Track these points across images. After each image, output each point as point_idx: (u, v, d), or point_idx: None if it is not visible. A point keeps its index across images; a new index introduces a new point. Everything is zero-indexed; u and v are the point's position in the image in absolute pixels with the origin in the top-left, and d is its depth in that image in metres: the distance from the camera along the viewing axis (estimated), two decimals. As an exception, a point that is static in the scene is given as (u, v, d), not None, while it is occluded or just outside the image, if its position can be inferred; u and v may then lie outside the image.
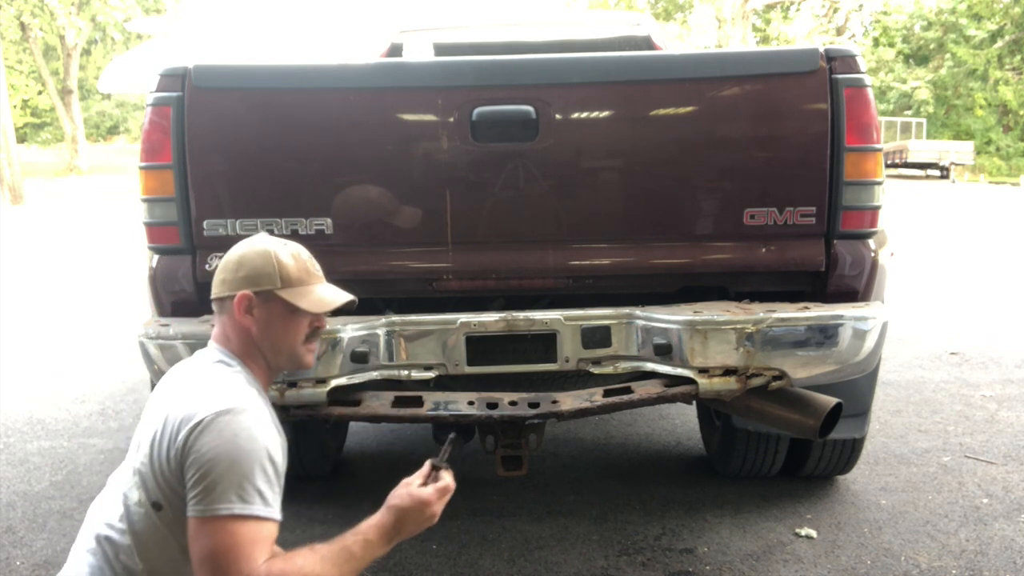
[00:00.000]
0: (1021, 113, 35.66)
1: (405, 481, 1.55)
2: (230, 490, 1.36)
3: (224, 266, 1.61)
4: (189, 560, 1.40)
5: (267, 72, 2.48)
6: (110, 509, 1.52)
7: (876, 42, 37.84)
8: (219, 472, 1.37)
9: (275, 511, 1.42)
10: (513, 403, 2.29)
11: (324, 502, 3.15)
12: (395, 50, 4.45)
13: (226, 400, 1.44)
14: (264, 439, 1.44)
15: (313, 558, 1.39)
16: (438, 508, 1.52)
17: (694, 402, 2.53)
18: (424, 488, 1.53)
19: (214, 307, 1.63)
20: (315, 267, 1.67)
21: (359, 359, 2.29)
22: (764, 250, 2.44)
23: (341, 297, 1.68)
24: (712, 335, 2.22)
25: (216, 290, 1.61)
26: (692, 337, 2.22)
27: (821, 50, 2.40)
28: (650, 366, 2.34)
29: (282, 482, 1.47)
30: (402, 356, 2.34)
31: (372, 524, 1.48)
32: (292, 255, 1.62)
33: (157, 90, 2.38)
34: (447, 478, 1.56)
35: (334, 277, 2.52)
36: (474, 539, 2.86)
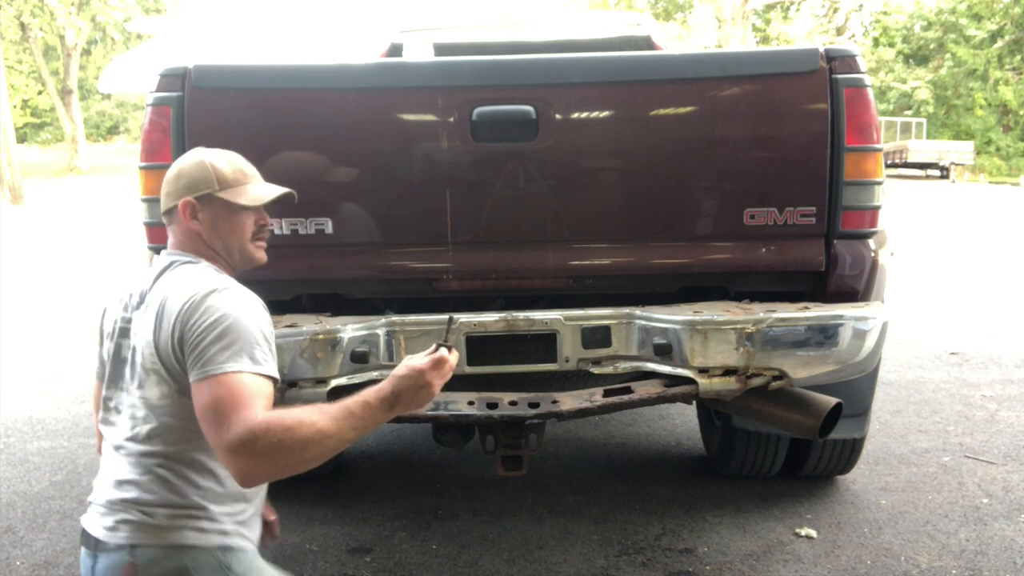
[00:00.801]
0: (1021, 113, 35.66)
1: (408, 357, 1.58)
2: (226, 351, 1.45)
3: (166, 180, 1.70)
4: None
5: (267, 72, 2.48)
6: (125, 430, 1.57)
7: (876, 42, 37.84)
8: (214, 336, 1.45)
9: (269, 369, 1.49)
10: (513, 403, 2.29)
11: (324, 502, 3.15)
12: (395, 50, 4.45)
13: (211, 282, 1.55)
14: (254, 310, 1.55)
15: (311, 409, 1.44)
16: (434, 380, 1.53)
17: (694, 402, 2.53)
18: (419, 356, 1.56)
19: (165, 221, 1.72)
20: (250, 168, 1.76)
21: (359, 359, 2.29)
22: (764, 250, 2.44)
23: (275, 191, 1.77)
24: (712, 335, 2.22)
25: (163, 203, 1.70)
26: (692, 337, 2.22)
27: (821, 50, 2.40)
28: (650, 366, 2.34)
29: (273, 350, 1.54)
30: (402, 356, 2.33)
31: (372, 389, 1.51)
32: (226, 160, 1.72)
33: (157, 90, 2.38)
34: (445, 353, 1.57)
35: (335, 277, 2.53)
36: (474, 539, 2.86)
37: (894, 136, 32.20)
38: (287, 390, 2.25)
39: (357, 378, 2.31)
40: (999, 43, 34.92)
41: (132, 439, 1.55)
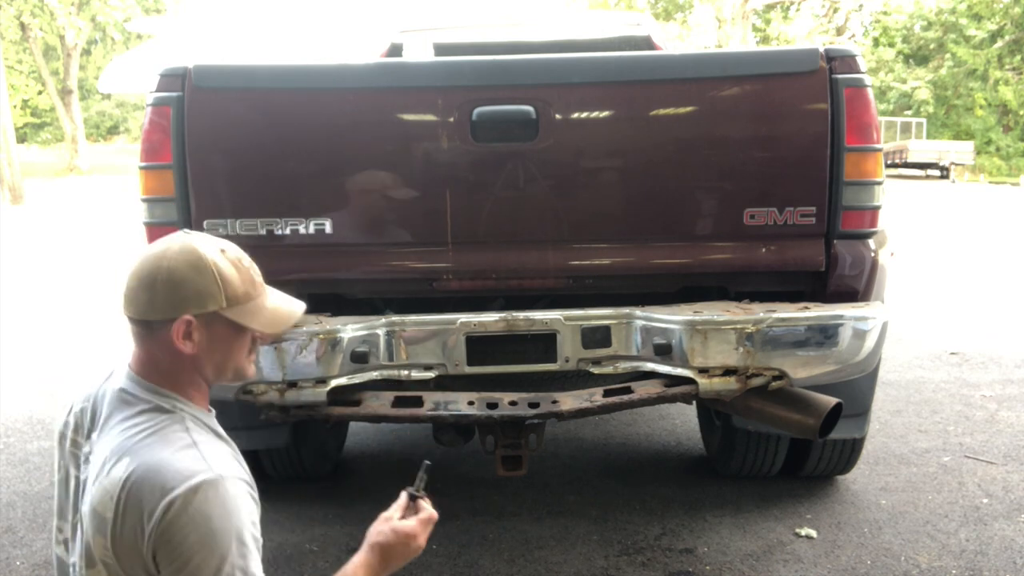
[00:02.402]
0: (1021, 113, 35.65)
1: (384, 516, 1.48)
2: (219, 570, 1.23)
3: (147, 282, 1.34)
4: None
5: (267, 72, 2.48)
6: None
7: (876, 42, 37.84)
8: (197, 562, 1.23)
9: None
10: (513, 403, 2.29)
11: (324, 502, 3.15)
12: (395, 50, 4.45)
13: (192, 467, 1.26)
14: (241, 511, 1.29)
15: None
16: (423, 539, 1.47)
17: (694, 402, 2.53)
18: (407, 521, 1.47)
19: (132, 329, 1.38)
20: (257, 274, 1.45)
21: (359, 359, 2.29)
22: (764, 250, 2.44)
23: (295, 312, 1.49)
24: (712, 335, 2.22)
25: (138, 311, 1.35)
26: (692, 337, 2.22)
27: (821, 50, 2.40)
28: (650, 366, 2.34)
29: (259, 549, 1.33)
30: (402, 356, 2.34)
31: (358, 564, 1.40)
32: (233, 264, 1.38)
33: (157, 90, 2.38)
34: (428, 507, 1.50)
35: (335, 277, 2.53)
36: (474, 539, 2.86)
37: (894, 136, 32.20)
38: (287, 390, 2.25)
39: (357, 378, 2.32)
40: (999, 43, 34.91)
41: None
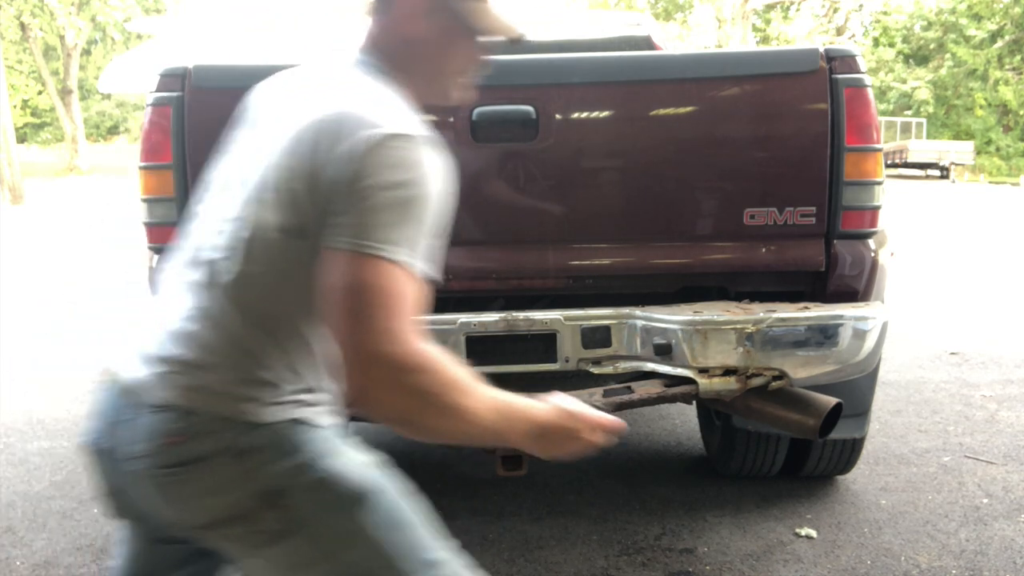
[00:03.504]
0: (1021, 113, 35.68)
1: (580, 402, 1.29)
2: (398, 229, 1.07)
3: None
4: (312, 299, 1.12)
5: (267, 72, 2.47)
6: (208, 240, 1.22)
7: (876, 42, 37.87)
8: (391, 201, 1.07)
9: (428, 271, 1.15)
10: (513, 403, 2.29)
11: (324, 502, 3.15)
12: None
13: (402, 121, 1.12)
14: (443, 182, 1.15)
15: (468, 375, 1.15)
16: (588, 440, 1.25)
17: (694, 402, 2.53)
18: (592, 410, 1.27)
19: (370, 7, 1.29)
20: None
21: (359, 359, 2.28)
22: (764, 250, 2.44)
23: (519, 24, 1.33)
24: (712, 335, 2.22)
25: None
26: (692, 337, 2.22)
27: (821, 50, 2.40)
28: (650, 366, 2.34)
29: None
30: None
31: (529, 404, 1.21)
32: None
33: (157, 90, 2.38)
34: (616, 422, 1.28)
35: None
36: (474, 539, 2.86)
37: (894, 136, 32.22)
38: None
39: (357, 378, 2.31)
40: (999, 43, 34.94)
41: (208, 276, 1.18)
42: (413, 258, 1.09)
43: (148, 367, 1.19)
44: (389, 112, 1.13)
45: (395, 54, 1.25)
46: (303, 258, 1.11)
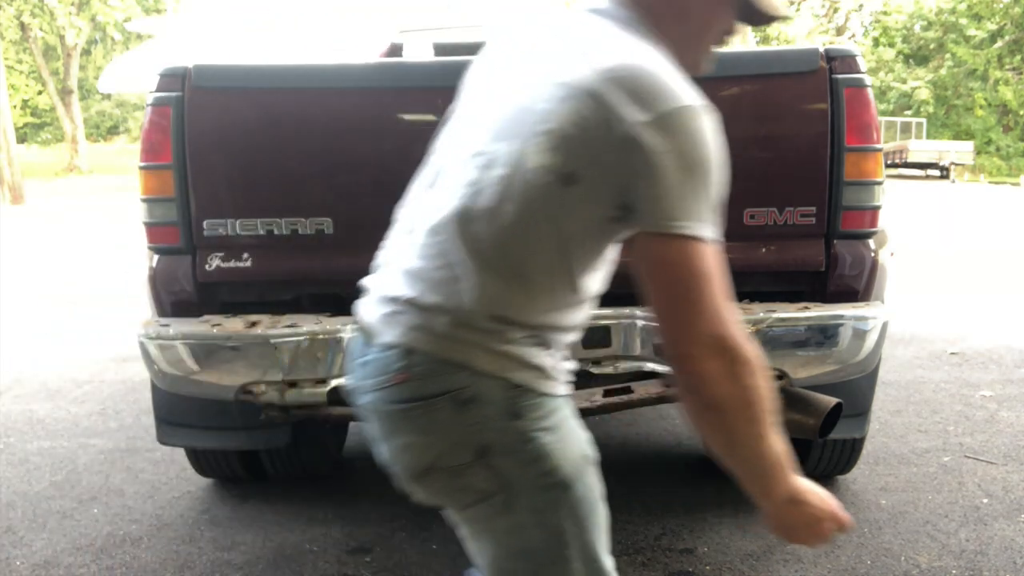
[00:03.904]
0: (1021, 113, 35.69)
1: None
2: (704, 208, 1.07)
3: None
4: (563, 247, 1.12)
5: (267, 72, 2.48)
6: (451, 178, 1.20)
7: (876, 42, 37.89)
8: (694, 184, 1.06)
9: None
10: (513, 403, 2.29)
11: (324, 502, 3.15)
12: (395, 50, 4.45)
13: (687, 93, 1.08)
14: (722, 158, 1.12)
15: (767, 388, 1.11)
16: (826, 529, 1.25)
17: (694, 402, 2.52)
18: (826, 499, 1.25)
19: None
20: None
21: (359, 359, 2.28)
22: (764, 250, 2.44)
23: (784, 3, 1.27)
24: (712, 335, 2.22)
25: None
26: (692, 337, 2.22)
27: (821, 50, 2.40)
28: (650, 366, 2.34)
29: None
30: (402, 356, 2.34)
31: (794, 470, 1.21)
32: None
33: (157, 90, 2.38)
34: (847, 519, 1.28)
35: (334, 277, 2.53)
36: (474, 539, 2.86)
37: (894, 136, 32.22)
38: (287, 390, 2.25)
39: (357, 378, 2.31)
40: (999, 43, 34.95)
41: (452, 216, 1.14)
42: (715, 234, 1.08)
43: (380, 307, 1.21)
44: (677, 80, 1.09)
45: (661, 13, 1.18)
46: (566, 202, 1.09)
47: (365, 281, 1.33)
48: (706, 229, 1.07)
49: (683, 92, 1.08)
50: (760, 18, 1.23)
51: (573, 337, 1.23)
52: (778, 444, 1.15)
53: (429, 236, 1.17)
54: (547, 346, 1.17)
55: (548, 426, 1.15)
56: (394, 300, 1.19)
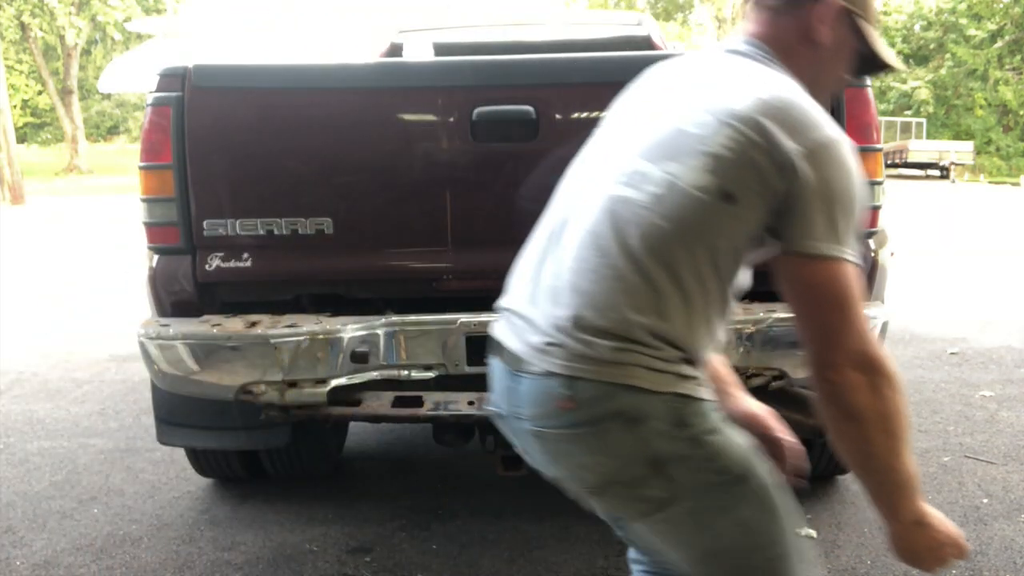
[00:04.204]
0: (1021, 113, 35.68)
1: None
2: (850, 233, 1.16)
3: None
4: (714, 262, 1.19)
5: (267, 72, 2.48)
6: (601, 194, 1.24)
7: (876, 42, 37.81)
8: (840, 210, 1.15)
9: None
10: (513, 403, 2.29)
11: (324, 502, 3.15)
12: (395, 50, 4.45)
13: (832, 126, 1.18)
14: (863, 187, 1.21)
15: (906, 407, 1.18)
16: (946, 556, 1.26)
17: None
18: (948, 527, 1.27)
19: (765, 2, 1.31)
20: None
21: (359, 359, 2.29)
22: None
23: (898, 59, 1.39)
24: (712, 335, 2.22)
25: None
26: (692, 337, 2.22)
27: (821, 50, 2.40)
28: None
29: None
30: (402, 356, 2.34)
31: (918, 493, 1.23)
32: None
33: (157, 90, 2.38)
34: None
35: (334, 277, 2.53)
36: (474, 539, 2.86)
37: (894, 136, 32.22)
38: (287, 390, 2.25)
39: (357, 378, 2.32)
40: (999, 43, 34.94)
41: (606, 233, 1.19)
42: (856, 257, 1.17)
43: (528, 333, 1.23)
44: (822, 113, 1.19)
45: (792, 53, 1.28)
46: (721, 220, 1.16)
47: (503, 302, 1.37)
48: (849, 252, 1.15)
49: (829, 125, 1.17)
50: (877, 68, 1.35)
51: (715, 349, 1.29)
52: (911, 465, 1.20)
53: (581, 254, 1.21)
54: (699, 360, 1.23)
55: (711, 428, 1.20)
56: (548, 324, 1.21)
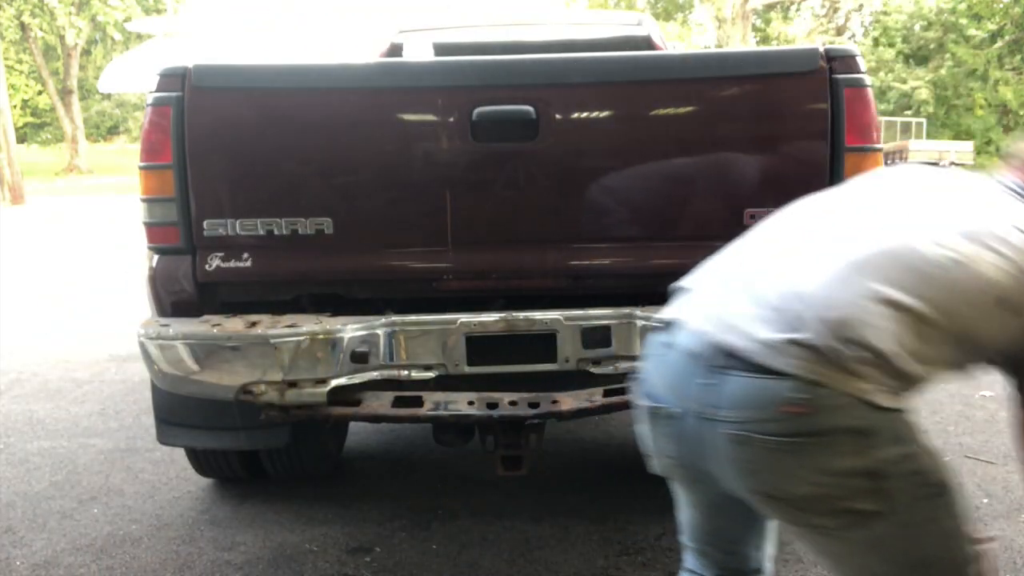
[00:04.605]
0: (1021, 113, 35.67)
1: None
2: None
3: None
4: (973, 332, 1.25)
5: (267, 72, 2.48)
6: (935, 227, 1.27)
7: (876, 42, 37.85)
8: None
9: None
10: (513, 403, 2.29)
11: (324, 502, 3.15)
12: (395, 50, 4.45)
13: None
14: None
15: None
16: None
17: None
18: None
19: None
20: None
21: (359, 359, 2.29)
22: (764, 250, 2.44)
23: None
24: (712, 335, 2.22)
25: None
26: (692, 337, 2.22)
27: (821, 50, 2.40)
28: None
29: None
30: (402, 356, 2.34)
31: None
32: None
33: (157, 90, 2.38)
34: None
35: (334, 277, 2.53)
36: (474, 539, 2.86)
37: (894, 136, 32.21)
38: (287, 390, 2.25)
39: (357, 378, 2.32)
40: (999, 43, 34.94)
41: (884, 262, 1.22)
42: None
43: (752, 322, 1.19)
44: None
45: None
46: (994, 314, 1.22)
47: (699, 288, 1.37)
48: None
49: None
50: None
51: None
52: None
53: (843, 269, 1.22)
54: (917, 382, 1.24)
55: (922, 442, 1.23)
56: (798, 320, 1.18)
